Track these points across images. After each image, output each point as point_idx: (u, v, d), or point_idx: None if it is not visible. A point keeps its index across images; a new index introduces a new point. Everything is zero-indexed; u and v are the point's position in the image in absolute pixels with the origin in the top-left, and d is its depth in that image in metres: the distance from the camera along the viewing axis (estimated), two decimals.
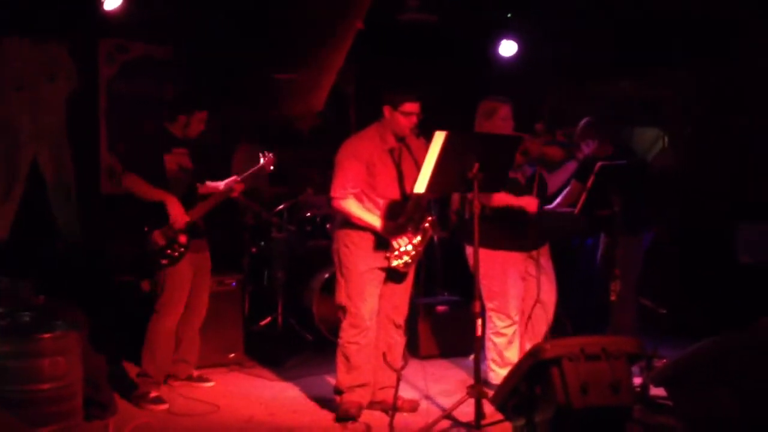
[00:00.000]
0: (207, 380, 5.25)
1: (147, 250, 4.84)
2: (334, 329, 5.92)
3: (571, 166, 5.14)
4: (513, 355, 4.92)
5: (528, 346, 4.90)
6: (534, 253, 5.01)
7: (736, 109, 6.55)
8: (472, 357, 5.73)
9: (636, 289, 5.48)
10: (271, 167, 5.13)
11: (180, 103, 5.01)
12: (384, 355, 4.69)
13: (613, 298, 4.73)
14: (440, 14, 6.49)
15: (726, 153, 6.53)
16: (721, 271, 6.09)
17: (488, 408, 4.20)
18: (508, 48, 6.96)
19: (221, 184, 5.11)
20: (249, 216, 6.39)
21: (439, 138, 4.14)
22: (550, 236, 5.16)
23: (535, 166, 4.92)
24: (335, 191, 4.59)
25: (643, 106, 7.55)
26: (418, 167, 4.52)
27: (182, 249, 4.87)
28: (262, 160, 5.11)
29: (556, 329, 5.19)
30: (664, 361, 4.38)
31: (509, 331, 4.93)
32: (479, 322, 4.30)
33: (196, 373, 5.26)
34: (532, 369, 3.58)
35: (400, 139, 4.61)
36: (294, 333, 6.20)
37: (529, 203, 4.85)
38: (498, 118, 4.88)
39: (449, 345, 5.85)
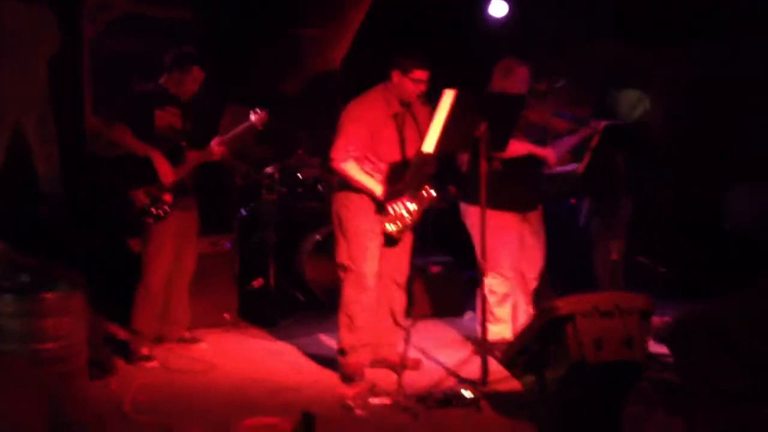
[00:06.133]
0: (199, 341, 5.23)
1: (131, 208, 4.80)
2: (327, 291, 6.00)
3: (570, 140, 5.18)
4: (504, 312, 4.97)
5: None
6: (529, 214, 5.06)
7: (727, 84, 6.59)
8: (466, 316, 5.85)
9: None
10: (262, 124, 5.02)
11: (175, 59, 4.91)
12: (393, 314, 4.71)
13: (614, 257, 4.78)
14: None
15: (716, 115, 6.57)
16: (712, 231, 6.18)
17: (491, 366, 4.29)
18: (498, 9, 6.91)
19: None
20: (238, 176, 6.32)
21: (447, 97, 4.12)
22: (547, 197, 5.22)
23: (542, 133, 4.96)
24: (336, 153, 4.56)
25: (632, 72, 7.59)
26: (420, 134, 4.53)
27: (167, 207, 4.84)
28: (252, 117, 5.01)
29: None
30: (666, 319, 4.45)
31: (502, 289, 4.96)
32: (485, 280, 4.33)
33: (188, 334, 5.23)
34: (545, 326, 3.62)
35: (405, 105, 4.59)
36: (286, 294, 6.17)
37: (549, 153, 4.88)
38: (514, 79, 4.85)
39: (442, 305, 5.88)
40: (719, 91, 6.56)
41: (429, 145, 4.22)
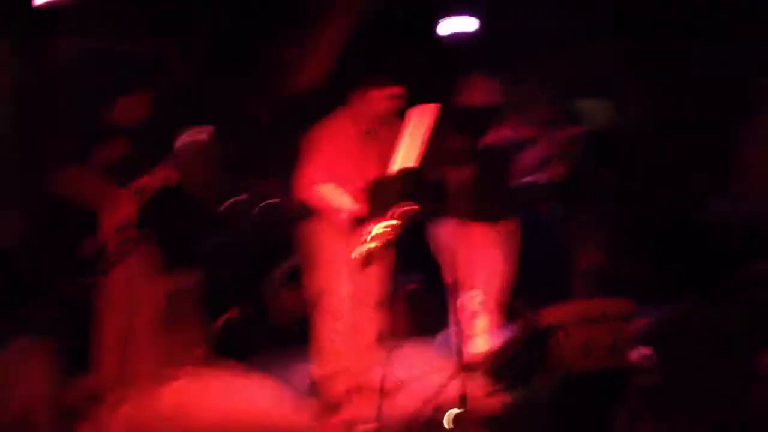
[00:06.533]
0: (172, 380, 5.03)
1: (91, 253, 4.58)
2: (300, 320, 5.85)
3: (542, 147, 5.12)
4: (480, 326, 4.88)
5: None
6: (500, 225, 4.99)
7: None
8: (440, 336, 5.71)
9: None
10: (208, 143, 4.83)
11: (122, 86, 4.72)
12: (371, 338, 4.58)
13: (595, 262, 4.70)
14: None
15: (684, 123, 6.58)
16: (683, 232, 6.14)
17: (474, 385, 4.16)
18: (467, 24, 6.88)
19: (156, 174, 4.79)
20: (204, 208, 6.16)
21: (421, 112, 4.05)
22: (520, 208, 5.15)
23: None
24: (305, 177, 4.46)
25: (594, 81, 7.60)
26: (390, 153, 4.42)
27: (128, 246, 4.63)
28: (197, 137, 4.82)
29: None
30: (647, 321, 4.36)
31: (478, 301, 4.87)
32: (458, 297, 4.23)
33: (159, 374, 5.02)
34: (532, 337, 3.54)
35: (376, 123, 4.50)
36: (260, 326, 6.00)
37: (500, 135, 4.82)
38: (480, 91, 4.82)
39: (417, 326, 5.73)
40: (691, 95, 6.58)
41: (406, 161, 4.12)
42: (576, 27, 6.83)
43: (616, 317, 3.49)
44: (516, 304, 5.06)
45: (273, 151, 6.75)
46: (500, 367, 3.70)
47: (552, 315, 3.47)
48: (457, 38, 7.00)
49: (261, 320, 6.03)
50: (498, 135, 4.85)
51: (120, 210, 4.57)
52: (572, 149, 4.78)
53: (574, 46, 7.12)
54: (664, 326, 3.91)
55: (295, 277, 5.90)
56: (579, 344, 3.40)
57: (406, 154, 4.10)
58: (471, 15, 6.88)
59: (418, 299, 5.74)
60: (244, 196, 6.14)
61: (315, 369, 4.49)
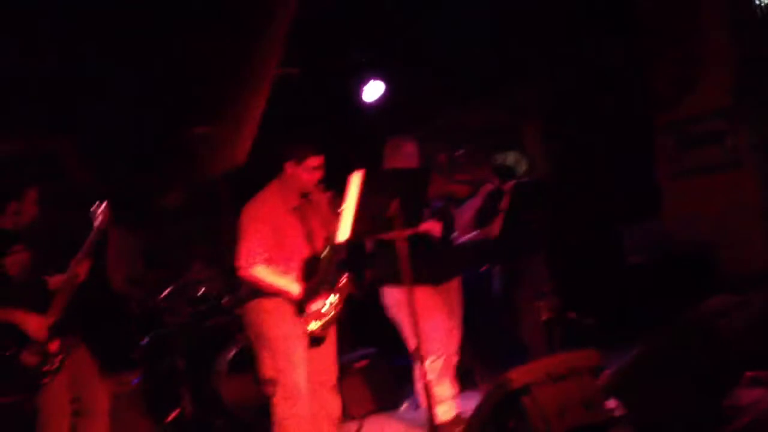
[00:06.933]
0: None
1: (20, 375, 4.18)
2: (249, 410, 5.65)
3: (475, 202, 5.14)
4: (445, 390, 4.80)
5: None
6: (445, 286, 4.94)
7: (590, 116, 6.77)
8: (403, 407, 5.60)
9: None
10: (105, 224, 4.52)
11: (4, 192, 4.33)
12: (330, 420, 4.43)
13: (545, 317, 4.68)
14: (301, 66, 6.38)
15: (592, 162, 6.74)
16: (616, 272, 6.25)
17: None
18: (374, 90, 6.93)
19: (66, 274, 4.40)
20: (134, 305, 5.93)
21: (356, 179, 3.97)
22: (462, 268, 5.12)
23: (443, 202, 4.88)
24: (242, 260, 4.31)
25: (502, 131, 7.74)
26: (325, 223, 4.40)
27: (60, 356, 4.29)
28: (98, 218, 4.41)
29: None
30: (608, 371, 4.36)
31: (437, 365, 4.79)
32: (421, 364, 4.15)
33: None
34: (502, 402, 3.46)
35: (304, 196, 4.42)
36: (207, 422, 5.76)
37: (432, 227, 4.75)
38: (404, 155, 4.81)
39: (376, 400, 5.60)
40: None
41: (344, 233, 4.04)
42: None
43: (584, 370, 3.45)
44: (474, 364, 4.99)
45: (194, 237, 6.60)
46: None
47: (519, 377, 3.39)
48: (369, 103, 7.05)
49: (209, 414, 5.80)
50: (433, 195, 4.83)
51: (39, 322, 4.21)
52: (503, 204, 4.78)
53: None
54: (625, 373, 3.88)
55: (241, 365, 5.72)
56: (552, 404, 3.33)
57: (347, 224, 4.02)
58: (377, 79, 6.96)
59: (372, 373, 5.60)
60: (172, 287, 5.93)
61: None
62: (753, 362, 3.99)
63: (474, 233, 5.10)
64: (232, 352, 5.73)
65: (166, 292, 5.90)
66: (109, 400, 4.60)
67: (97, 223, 4.42)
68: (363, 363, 5.61)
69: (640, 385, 3.79)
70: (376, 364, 5.67)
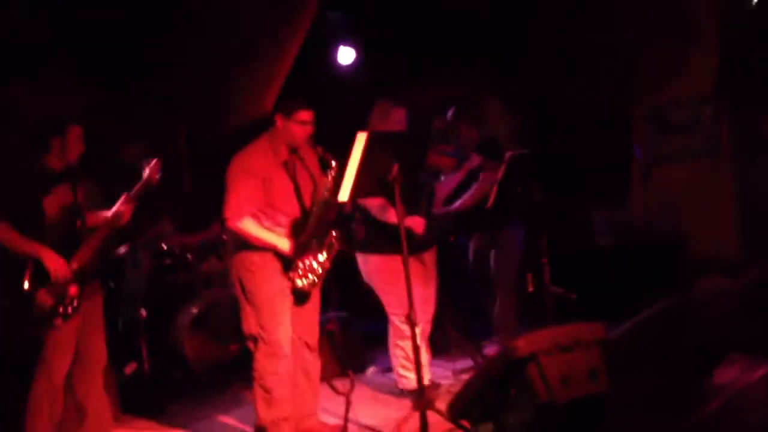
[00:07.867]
0: None
1: (35, 313, 4.06)
2: (211, 368, 5.51)
3: (457, 177, 5.12)
4: (422, 357, 4.73)
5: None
6: (422, 255, 4.91)
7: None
8: (369, 370, 5.55)
9: (516, 281, 5.49)
10: (158, 175, 4.42)
11: (47, 125, 4.22)
12: (310, 380, 4.36)
13: (531, 289, 4.67)
14: None
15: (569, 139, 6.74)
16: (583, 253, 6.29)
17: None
18: (346, 55, 6.87)
19: (110, 212, 4.31)
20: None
21: (360, 140, 3.89)
22: (441, 237, 5.09)
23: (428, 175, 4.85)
24: (229, 212, 4.19)
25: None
26: (313, 179, 4.33)
27: (75, 302, 4.14)
28: (147, 171, 4.35)
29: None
30: None
31: (417, 331, 4.74)
32: (417, 330, 4.10)
33: None
34: (504, 369, 3.41)
35: (293, 151, 4.30)
36: (166, 376, 5.59)
37: (414, 223, 4.67)
38: (392, 121, 4.74)
39: (343, 364, 5.51)
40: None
41: (344, 193, 3.95)
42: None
43: (590, 342, 3.44)
44: (450, 333, 4.96)
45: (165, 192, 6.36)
46: (467, 403, 3.53)
47: (526, 345, 3.34)
48: (344, 67, 6.97)
49: (168, 368, 5.63)
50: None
51: (62, 265, 4.08)
52: (498, 175, 4.74)
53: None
54: (615, 349, 3.90)
55: (205, 322, 5.57)
56: (558, 374, 3.31)
57: (348, 184, 3.93)
58: (348, 45, 6.88)
59: (345, 335, 5.52)
60: (133, 241, 5.71)
61: (260, 415, 4.18)
62: (734, 344, 4.08)
63: (469, 194, 5.05)
64: (197, 309, 5.58)
65: (126, 246, 5.69)
66: (105, 351, 4.45)
67: (145, 175, 4.31)
68: (334, 326, 5.51)
69: (626, 361, 3.82)
70: (347, 327, 5.58)
